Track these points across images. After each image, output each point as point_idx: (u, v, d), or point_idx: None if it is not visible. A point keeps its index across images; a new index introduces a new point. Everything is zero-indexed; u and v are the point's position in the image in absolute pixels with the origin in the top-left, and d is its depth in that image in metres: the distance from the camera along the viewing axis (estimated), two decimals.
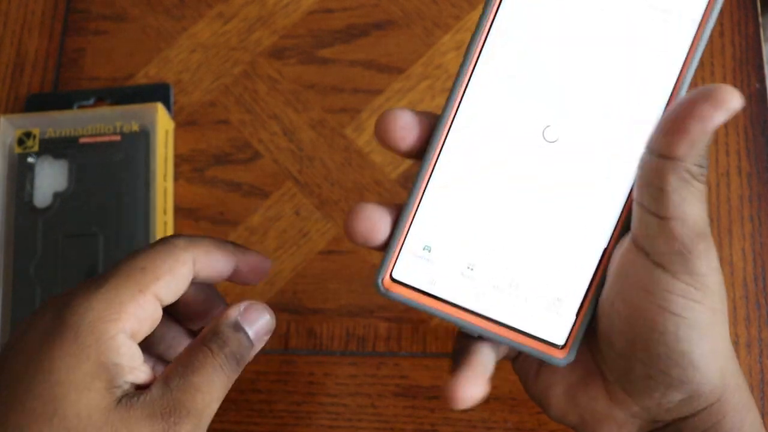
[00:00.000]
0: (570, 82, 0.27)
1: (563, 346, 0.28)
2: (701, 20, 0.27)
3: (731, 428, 0.27)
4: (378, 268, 0.28)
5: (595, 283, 0.28)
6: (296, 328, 0.44)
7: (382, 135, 0.28)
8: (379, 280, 0.28)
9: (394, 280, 0.29)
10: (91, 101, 0.49)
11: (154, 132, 0.46)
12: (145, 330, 0.28)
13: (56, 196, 0.46)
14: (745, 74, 0.45)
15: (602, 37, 0.27)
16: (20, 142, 0.46)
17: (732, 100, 0.24)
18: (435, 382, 0.42)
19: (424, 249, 0.28)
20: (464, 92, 0.28)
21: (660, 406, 0.27)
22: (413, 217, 0.28)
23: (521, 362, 0.32)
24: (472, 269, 0.28)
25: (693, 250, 0.25)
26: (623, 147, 0.28)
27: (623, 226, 0.28)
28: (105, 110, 0.47)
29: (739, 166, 0.44)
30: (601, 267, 0.28)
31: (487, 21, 0.27)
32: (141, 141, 0.46)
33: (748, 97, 0.45)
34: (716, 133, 0.44)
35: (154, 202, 0.45)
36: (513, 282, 0.28)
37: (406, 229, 0.28)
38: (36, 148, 0.46)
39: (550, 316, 0.28)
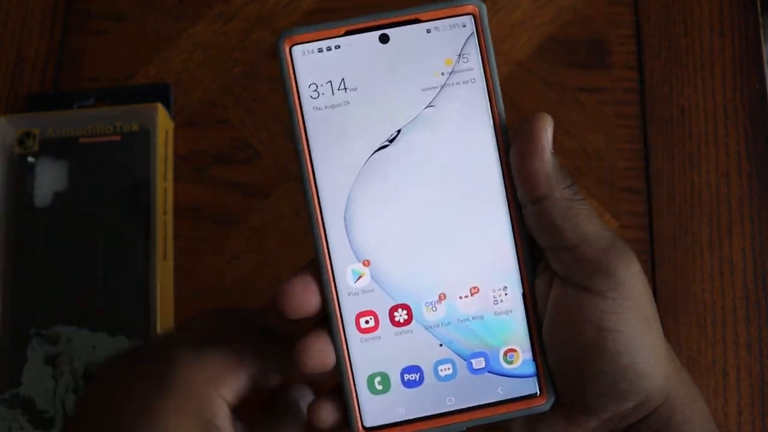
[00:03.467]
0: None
1: (540, 394, 0.28)
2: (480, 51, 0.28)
3: (681, 421, 0.28)
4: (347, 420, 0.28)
5: (533, 326, 0.28)
6: (296, 327, 0.44)
7: (284, 309, 0.29)
8: None
9: (367, 429, 0.28)
10: (91, 101, 0.49)
11: (154, 132, 0.46)
12: (234, 401, 0.31)
13: (56, 196, 0.45)
14: (745, 74, 0.45)
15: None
16: (20, 142, 0.46)
17: (541, 129, 0.27)
18: None
19: (376, 383, 0.28)
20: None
21: (615, 417, 0.28)
22: (349, 361, 0.28)
23: None
24: (421, 376, 0.28)
25: (608, 264, 0.27)
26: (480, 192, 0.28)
27: (527, 267, 0.28)
28: (105, 110, 0.47)
29: (739, 167, 0.44)
30: (530, 310, 0.28)
31: (296, 112, 0.28)
32: (141, 141, 0.46)
33: (748, 98, 0.45)
34: (716, 133, 0.45)
35: (154, 202, 0.45)
36: (461, 363, 0.28)
37: (351, 377, 0.28)
38: (36, 148, 0.46)
39: (513, 375, 0.28)
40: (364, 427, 0.28)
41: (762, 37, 0.46)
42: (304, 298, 0.28)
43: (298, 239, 0.46)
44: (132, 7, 0.51)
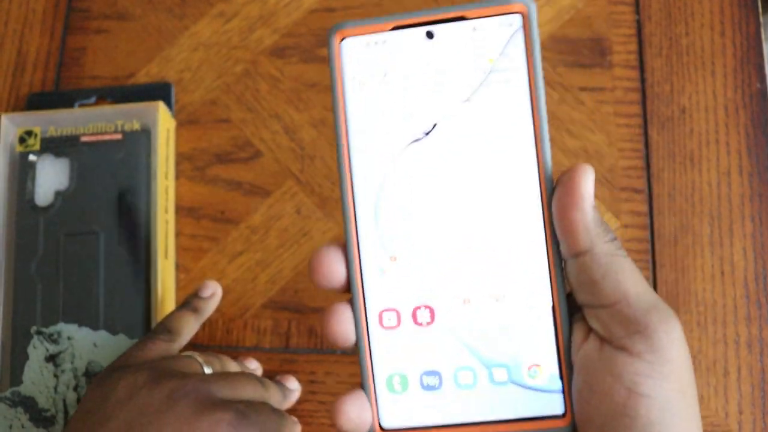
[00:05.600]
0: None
1: (565, 414, 0.27)
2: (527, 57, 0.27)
3: None
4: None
5: (560, 341, 0.27)
6: (297, 327, 0.44)
7: (312, 279, 0.28)
8: None
9: (384, 430, 0.28)
10: (93, 100, 0.49)
11: (155, 131, 0.46)
12: None
13: (57, 194, 0.46)
14: (746, 74, 0.45)
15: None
16: (21, 140, 0.46)
17: (581, 180, 0.26)
18: None
19: (395, 383, 0.28)
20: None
21: None
22: (370, 358, 0.28)
23: None
24: (440, 381, 0.28)
25: (648, 325, 0.25)
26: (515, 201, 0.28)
27: (557, 279, 0.27)
28: (106, 109, 0.47)
29: (740, 166, 0.44)
30: (559, 324, 0.27)
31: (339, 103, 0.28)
32: (142, 140, 0.46)
33: (749, 97, 0.45)
34: (717, 132, 0.45)
35: (155, 200, 0.45)
36: (482, 372, 0.27)
37: (371, 374, 0.28)
38: (37, 147, 0.46)
39: (537, 389, 0.27)
40: (381, 427, 0.28)
41: (763, 36, 0.46)
42: (330, 273, 0.28)
43: (298, 238, 0.46)
44: (133, 6, 0.51)
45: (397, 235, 0.28)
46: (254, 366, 0.42)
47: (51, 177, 0.46)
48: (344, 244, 0.28)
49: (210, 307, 0.43)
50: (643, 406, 0.25)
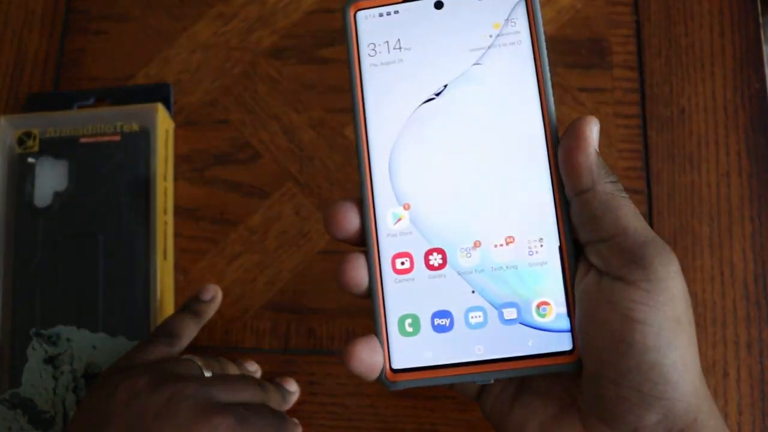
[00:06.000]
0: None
1: (573, 351, 0.28)
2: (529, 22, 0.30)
3: None
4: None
5: (568, 280, 0.28)
6: (296, 328, 0.44)
7: (330, 229, 0.30)
8: (383, 376, 0.29)
9: (395, 371, 0.29)
10: (92, 101, 0.49)
11: (154, 132, 0.46)
12: None
13: (56, 196, 0.45)
14: (745, 74, 0.45)
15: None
16: (20, 142, 0.46)
17: (586, 127, 0.28)
18: None
19: (407, 325, 0.29)
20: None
21: (636, 431, 0.27)
22: (383, 301, 0.29)
23: (490, 404, 0.32)
24: (451, 322, 0.29)
25: (644, 256, 0.26)
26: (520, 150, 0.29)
27: (564, 220, 0.29)
28: (105, 110, 0.47)
29: (740, 167, 0.44)
30: (566, 263, 0.28)
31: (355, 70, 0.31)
32: (141, 141, 0.46)
33: (749, 98, 0.45)
34: (716, 133, 0.45)
35: (154, 202, 0.45)
36: (492, 312, 0.28)
37: (383, 317, 0.29)
38: (36, 148, 0.46)
39: (546, 328, 0.28)
40: (392, 369, 0.29)
41: (762, 37, 0.46)
42: (345, 222, 0.29)
43: (297, 239, 0.46)
44: (132, 7, 0.51)
45: (410, 185, 0.29)
46: (254, 368, 0.42)
47: (50, 178, 0.46)
48: (359, 199, 0.30)
49: (210, 311, 0.43)
50: (639, 332, 0.26)
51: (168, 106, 0.48)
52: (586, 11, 0.48)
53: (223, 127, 0.48)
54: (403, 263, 0.29)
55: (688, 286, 0.43)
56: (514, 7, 0.30)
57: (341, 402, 0.42)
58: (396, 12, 0.30)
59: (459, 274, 0.29)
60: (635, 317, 0.26)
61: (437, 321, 0.29)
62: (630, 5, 0.48)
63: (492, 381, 0.29)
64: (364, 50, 0.30)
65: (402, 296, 0.29)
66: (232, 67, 0.49)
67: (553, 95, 0.29)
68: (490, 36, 0.29)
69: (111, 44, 0.51)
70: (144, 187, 0.45)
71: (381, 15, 0.31)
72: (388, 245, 0.29)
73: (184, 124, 0.48)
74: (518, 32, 0.29)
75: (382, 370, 0.29)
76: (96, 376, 0.42)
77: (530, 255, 0.28)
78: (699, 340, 0.42)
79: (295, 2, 0.50)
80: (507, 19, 0.30)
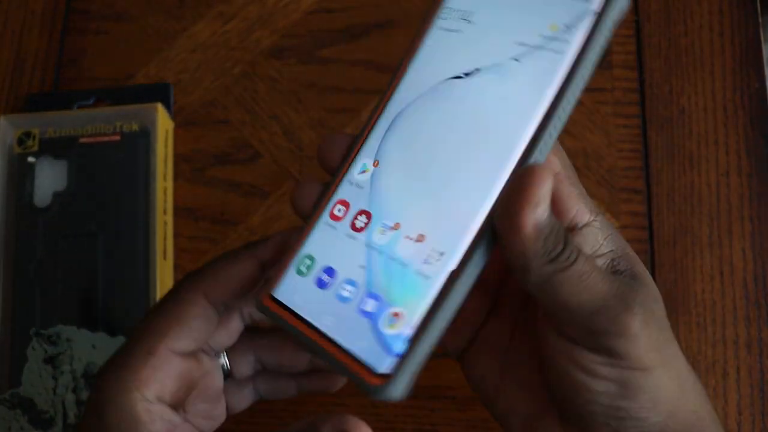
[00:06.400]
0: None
1: (383, 375, 0.25)
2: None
3: None
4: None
5: (434, 309, 0.25)
6: None
7: (318, 156, 0.30)
8: (259, 299, 0.29)
9: (271, 297, 0.29)
10: (91, 101, 0.49)
11: (154, 132, 0.46)
12: (174, 387, 0.29)
13: (56, 196, 0.46)
14: (745, 74, 0.45)
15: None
16: (20, 142, 0.46)
17: (534, 192, 0.23)
18: (435, 382, 0.42)
19: (303, 265, 0.29)
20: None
21: None
22: (306, 234, 0.29)
23: (478, 377, 0.32)
24: (330, 284, 0.28)
25: (596, 329, 0.25)
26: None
27: (475, 250, 0.26)
28: (105, 110, 0.47)
29: (739, 166, 0.44)
30: (445, 292, 0.25)
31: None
32: (141, 141, 0.46)
33: (749, 97, 0.45)
34: (716, 133, 0.45)
35: (154, 202, 0.45)
36: (359, 294, 0.27)
37: (296, 250, 0.29)
38: (36, 148, 0.46)
39: (382, 337, 0.26)
40: (271, 295, 0.29)
41: (762, 36, 0.46)
42: (331, 157, 0.30)
43: None
44: (132, 7, 0.51)
45: (390, 148, 0.29)
46: None
47: (50, 178, 0.46)
48: (355, 136, 0.30)
49: None
50: (602, 385, 0.26)
51: (168, 106, 0.48)
52: None
53: (223, 127, 0.48)
54: (339, 210, 0.29)
55: (688, 286, 0.43)
56: (581, 17, 0.26)
57: (341, 402, 0.42)
58: None
59: (365, 245, 0.28)
60: (598, 373, 0.25)
61: (322, 276, 0.28)
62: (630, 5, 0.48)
63: (310, 358, 0.29)
64: (441, 12, 0.30)
65: (319, 237, 0.29)
66: (232, 67, 0.49)
67: (562, 129, 0.26)
68: (542, 36, 0.27)
69: (111, 44, 0.51)
70: (144, 187, 0.45)
71: None
72: (342, 189, 0.29)
73: (183, 124, 0.48)
74: (567, 42, 0.26)
75: (260, 296, 0.29)
76: (96, 376, 0.42)
77: (423, 263, 0.26)
78: (699, 339, 0.42)
79: (294, 2, 0.50)
80: (567, 25, 0.26)
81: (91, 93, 0.49)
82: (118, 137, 0.46)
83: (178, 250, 0.46)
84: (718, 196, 0.44)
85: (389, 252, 0.27)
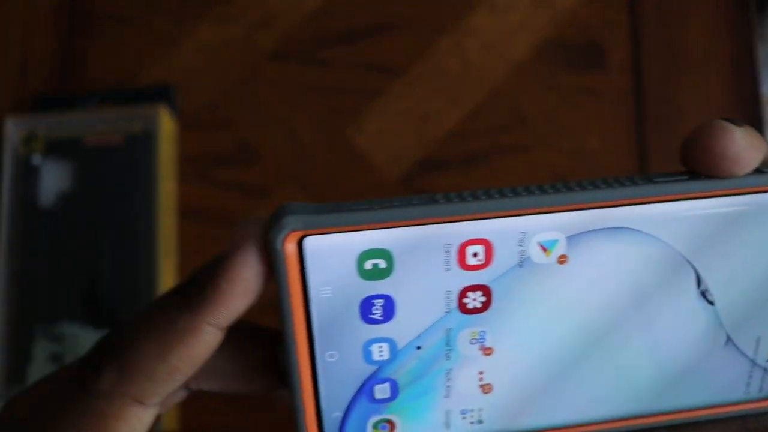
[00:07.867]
0: None
1: None
2: None
3: None
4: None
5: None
6: None
7: None
8: (284, 232, 0.20)
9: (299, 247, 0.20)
10: (95, 103, 0.49)
11: (157, 133, 0.46)
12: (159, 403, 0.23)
13: (60, 196, 0.46)
14: (741, 75, 0.46)
15: None
16: (25, 143, 0.47)
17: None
18: None
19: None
20: None
21: None
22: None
23: None
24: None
25: None
26: None
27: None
28: (109, 112, 0.47)
29: None
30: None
31: None
32: (145, 142, 0.46)
33: (744, 100, 0.45)
34: None
35: (157, 202, 0.45)
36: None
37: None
38: (41, 150, 0.47)
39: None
40: (300, 238, 0.20)
41: (757, 37, 0.46)
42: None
43: None
44: (136, 9, 0.52)
45: None
46: None
47: (54, 179, 0.46)
48: None
49: None
50: None
51: (171, 108, 0.49)
52: (583, 14, 0.48)
53: (225, 129, 0.49)
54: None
55: None
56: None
57: None
58: None
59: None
60: None
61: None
62: (626, 8, 0.48)
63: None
64: None
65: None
66: (235, 69, 0.50)
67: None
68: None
69: (115, 46, 0.51)
70: (147, 188, 0.46)
71: None
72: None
73: (187, 126, 0.49)
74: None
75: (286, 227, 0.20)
76: None
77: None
78: None
79: (296, 5, 0.51)
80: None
81: (95, 94, 0.50)
82: (121, 139, 0.47)
83: (181, 250, 0.47)
84: None
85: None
